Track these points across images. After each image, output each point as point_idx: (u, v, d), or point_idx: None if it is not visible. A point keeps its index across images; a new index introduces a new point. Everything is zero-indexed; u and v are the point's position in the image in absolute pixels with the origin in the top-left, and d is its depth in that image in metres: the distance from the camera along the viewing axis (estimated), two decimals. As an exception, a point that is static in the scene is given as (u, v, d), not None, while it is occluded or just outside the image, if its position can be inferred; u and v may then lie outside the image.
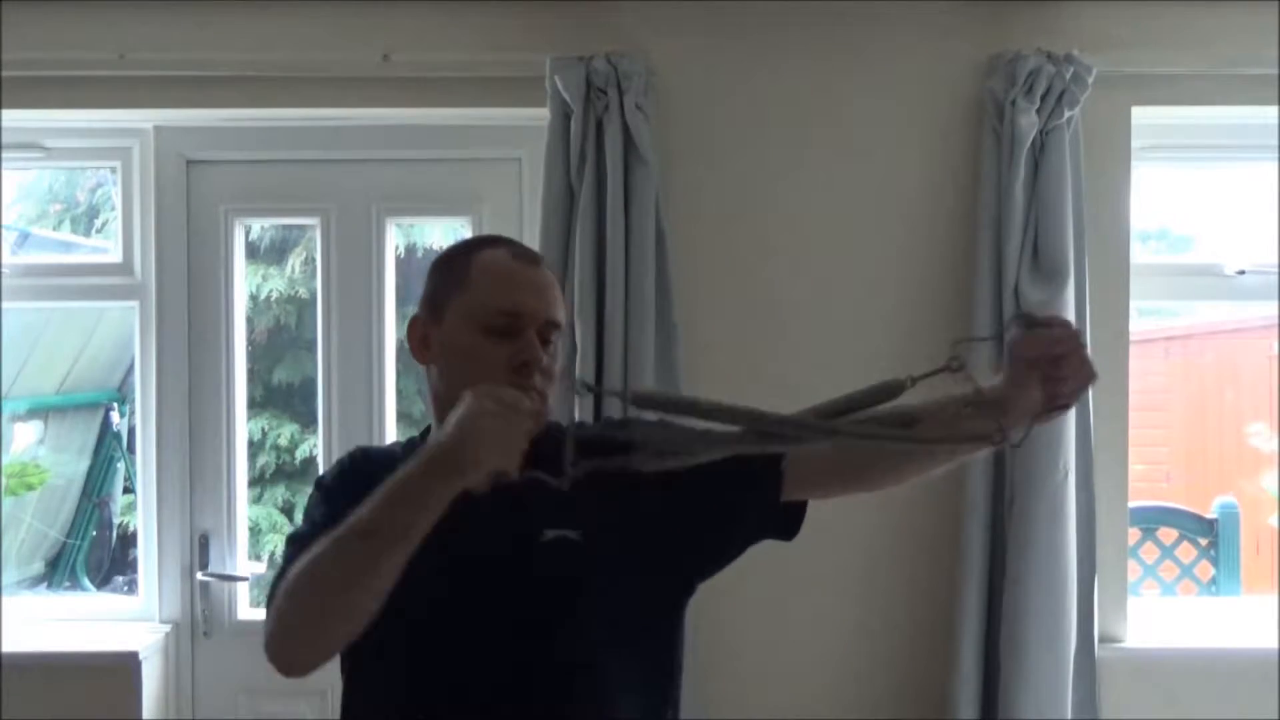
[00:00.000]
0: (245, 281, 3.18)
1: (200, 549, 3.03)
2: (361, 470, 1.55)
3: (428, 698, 1.51)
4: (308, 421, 4.14)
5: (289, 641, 1.41)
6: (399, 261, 3.16)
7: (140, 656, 2.85)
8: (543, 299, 1.55)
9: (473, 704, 1.50)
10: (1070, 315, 2.73)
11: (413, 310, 1.66)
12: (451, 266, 1.60)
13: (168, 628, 3.00)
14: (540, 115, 2.78)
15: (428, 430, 1.65)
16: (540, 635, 1.51)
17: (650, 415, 1.39)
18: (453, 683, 1.50)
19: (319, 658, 1.41)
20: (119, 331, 3.91)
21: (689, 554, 1.59)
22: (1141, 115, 2.88)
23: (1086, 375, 1.35)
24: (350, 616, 1.37)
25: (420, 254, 3.85)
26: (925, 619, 2.85)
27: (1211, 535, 3.91)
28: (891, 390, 1.33)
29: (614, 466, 1.31)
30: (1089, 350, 1.40)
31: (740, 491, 1.55)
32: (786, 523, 1.59)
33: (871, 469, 1.53)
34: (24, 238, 3.92)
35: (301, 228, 3.50)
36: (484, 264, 1.57)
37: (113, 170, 3.10)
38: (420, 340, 1.60)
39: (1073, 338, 1.37)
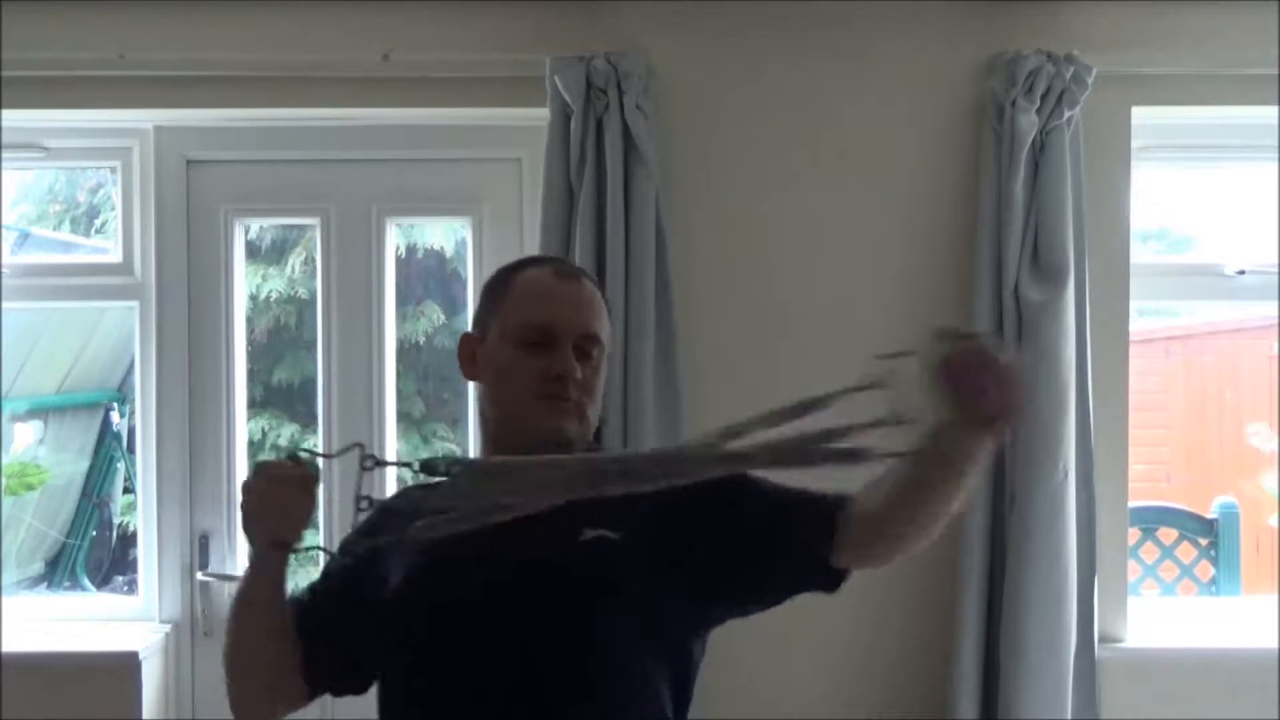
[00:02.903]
0: (245, 281, 3.18)
1: (200, 549, 3.02)
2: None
3: (457, 693, 1.51)
4: (308, 421, 4.13)
5: (235, 709, 1.67)
6: (399, 261, 3.16)
7: (140, 656, 2.85)
8: (578, 312, 1.59)
9: (500, 699, 1.50)
10: (1070, 315, 2.74)
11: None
12: (495, 285, 1.67)
13: (168, 628, 3.00)
14: (540, 115, 2.78)
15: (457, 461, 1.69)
16: (571, 632, 1.51)
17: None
18: (480, 677, 1.50)
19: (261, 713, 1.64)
20: (119, 331, 3.91)
21: (722, 588, 1.57)
22: (1141, 115, 2.88)
23: (1004, 389, 1.30)
24: (260, 671, 1.62)
25: (420, 254, 3.85)
26: (925, 619, 2.85)
27: (1211, 535, 3.91)
28: (808, 406, 1.32)
29: (399, 537, 1.39)
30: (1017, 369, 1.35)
31: (791, 548, 1.53)
32: (832, 579, 1.56)
33: (886, 517, 1.49)
34: (24, 238, 3.92)
35: (301, 228, 3.49)
36: (522, 281, 1.63)
37: (112, 170, 3.10)
38: (469, 358, 1.65)
39: (976, 351, 1.32)
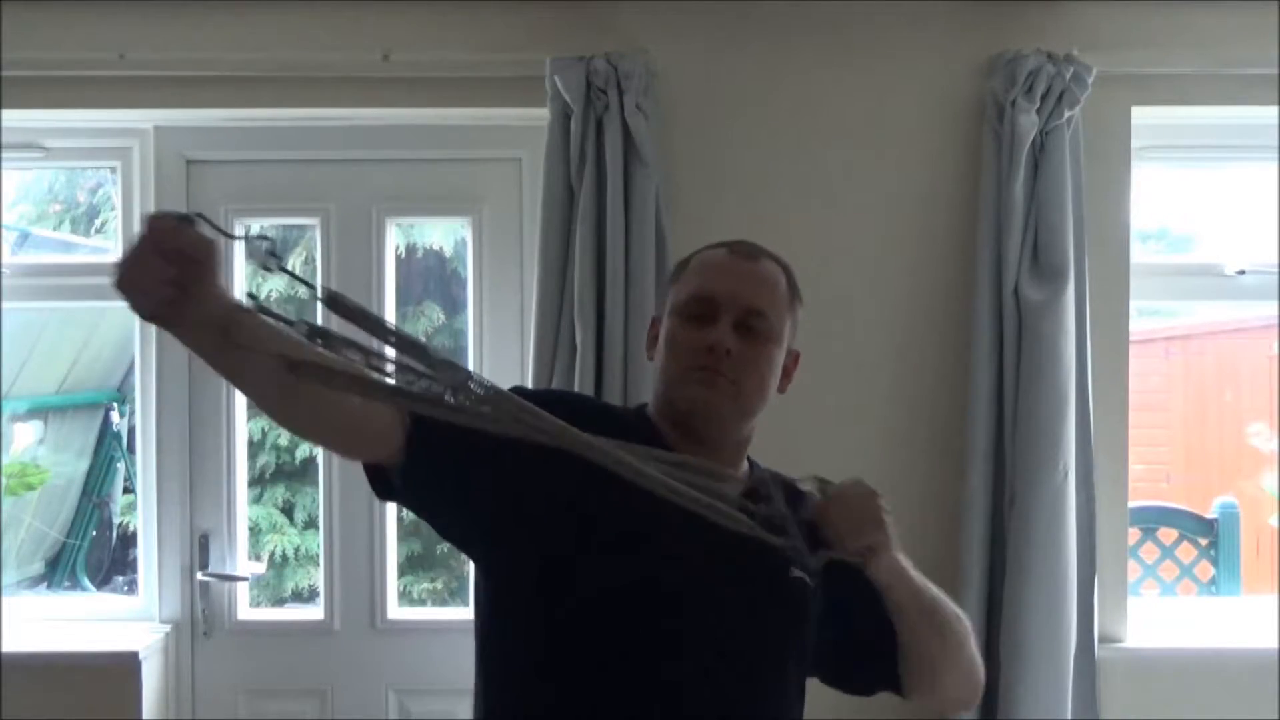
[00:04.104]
0: (245, 281, 3.18)
1: (200, 549, 3.03)
2: (565, 402, 1.57)
3: (605, 670, 1.48)
4: (308, 421, 4.12)
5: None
6: (399, 261, 3.16)
7: (140, 656, 2.85)
8: (743, 287, 1.57)
9: (641, 692, 1.48)
10: (1070, 315, 2.74)
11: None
12: (678, 266, 1.68)
13: (168, 628, 3.00)
14: (540, 115, 2.78)
15: (643, 406, 1.68)
16: (750, 659, 1.53)
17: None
18: (634, 661, 1.48)
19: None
20: (119, 331, 3.90)
21: (832, 658, 1.65)
22: (1141, 115, 2.88)
23: (859, 527, 1.43)
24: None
25: (420, 254, 3.84)
26: (925, 619, 2.84)
27: (1211, 535, 3.90)
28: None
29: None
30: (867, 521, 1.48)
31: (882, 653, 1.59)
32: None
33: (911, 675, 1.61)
34: (24, 238, 3.91)
35: (301, 228, 3.49)
36: (698, 258, 1.64)
37: (112, 170, 3.10)
38: (652, 338, 1.64)
39: (822, 508, 1.44)
